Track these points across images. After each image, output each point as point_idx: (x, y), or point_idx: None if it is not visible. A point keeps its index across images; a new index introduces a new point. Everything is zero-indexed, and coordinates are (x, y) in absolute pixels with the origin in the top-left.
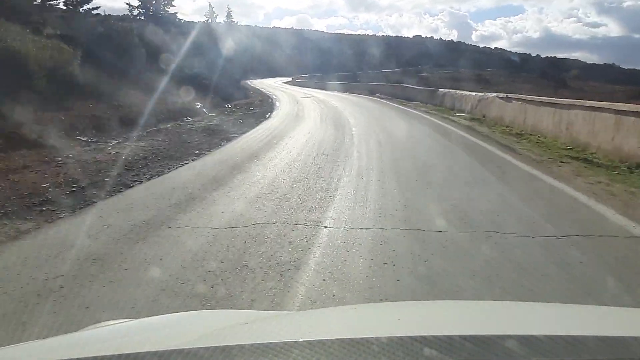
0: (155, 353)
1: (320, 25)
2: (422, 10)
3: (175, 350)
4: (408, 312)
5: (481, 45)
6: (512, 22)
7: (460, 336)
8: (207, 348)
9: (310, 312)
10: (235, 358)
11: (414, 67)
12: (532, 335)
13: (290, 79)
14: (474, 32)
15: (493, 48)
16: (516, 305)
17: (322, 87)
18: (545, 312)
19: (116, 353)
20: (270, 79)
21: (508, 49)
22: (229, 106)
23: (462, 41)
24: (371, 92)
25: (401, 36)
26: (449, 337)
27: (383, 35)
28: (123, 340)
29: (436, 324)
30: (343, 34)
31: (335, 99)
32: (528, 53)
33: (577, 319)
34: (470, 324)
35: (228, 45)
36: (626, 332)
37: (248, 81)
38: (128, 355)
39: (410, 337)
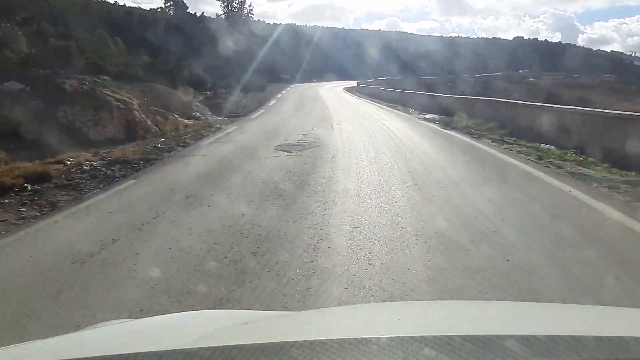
0: (155, 353)
1: (410, 28)
2: (521, 12)
3: (175, 350)
4: (408, 312)
5: (594, 48)
6: (627, 23)
7: (460, 336)
8: (207, 348)
9: (310, 312)
10: (235, 358)
11: (514, 70)
12: (532, 335)
13: (355, 83)
14: (580, 34)
15: (609, 51)
16: (516, 305)
17: (391, 99)
18: (545, 312)
19: (116, 353)
20: (334, 82)
21: (628, 53)
22: None
23: (573, 43)
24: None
25: (499, 38)
26: (449, 337)
27: (478, 38)
28: (123, 340)
29: (436, 324)
30: (434, 36)
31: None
32: None
33: (577, 319)
34: (470, 324)
35: (230, 46)
36: (626, 332)
37: (291, 87)
38: (128, 355)
39: (410, 337)
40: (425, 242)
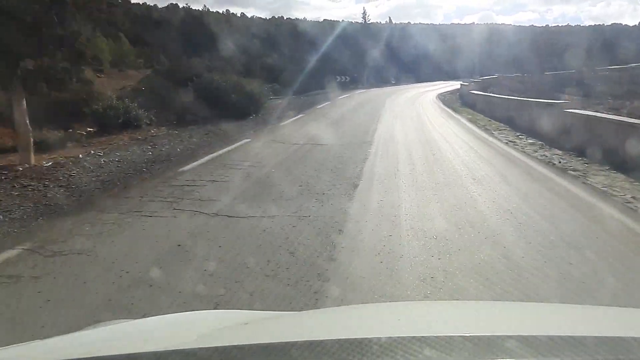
0: (155, 353)
1: (506, 21)
2: None
3: (175, 350)
4: (408, 312)
5: None
6: None
7: (460, 336)
8: (207, 348)
9: (310, 312)
10: (235, 358)
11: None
12: (532, 335)
13: (459, 84)
14: None
15: None
16: (516, 305)
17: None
18: (545, 312)
19: (116, 353)
20: (425, 86)
21: None
22: None
23: None
24: None
25: (620, 24)
26: (449, 337)
27: (592, 25)
28: (123, 340)
29: (436, 324)
30: (536, 26)
31: None
32: None
33: (577, 319)
34: (470, 324)
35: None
36: (626, 332)
37: (338, 99)
38: (128, 355)
39: (410, 337)
40: None
